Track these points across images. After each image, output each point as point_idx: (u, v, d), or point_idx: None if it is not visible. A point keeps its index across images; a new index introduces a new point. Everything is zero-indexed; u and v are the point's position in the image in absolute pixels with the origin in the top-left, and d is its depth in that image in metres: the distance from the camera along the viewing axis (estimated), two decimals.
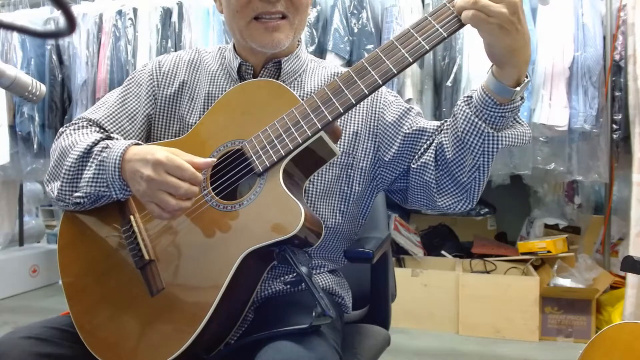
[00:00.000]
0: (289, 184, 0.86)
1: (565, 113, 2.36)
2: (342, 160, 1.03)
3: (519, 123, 0.93)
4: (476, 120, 0.88)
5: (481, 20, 0.78)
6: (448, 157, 0.94)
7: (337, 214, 1.04)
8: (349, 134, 1.03)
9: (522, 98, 0.88)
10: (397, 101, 1.06)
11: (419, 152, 1.00)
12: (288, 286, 0.99)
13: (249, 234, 0.84)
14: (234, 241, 0.85)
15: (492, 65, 0.87)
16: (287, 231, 0.81)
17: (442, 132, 0.97)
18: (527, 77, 0.86)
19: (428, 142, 0.99)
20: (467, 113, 0.90)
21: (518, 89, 0.85)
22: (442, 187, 0.98)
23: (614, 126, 2.41)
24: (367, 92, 0.85)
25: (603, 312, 2.53)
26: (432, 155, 0.97)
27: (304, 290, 0.97)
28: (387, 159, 1.03)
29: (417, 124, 1.01)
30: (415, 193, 1.02)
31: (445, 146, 0.95)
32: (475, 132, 0.89)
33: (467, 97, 0.92)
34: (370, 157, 1.04)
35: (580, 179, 2.51)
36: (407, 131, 1.01)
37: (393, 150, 1.02)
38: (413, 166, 1.00)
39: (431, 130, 1.00)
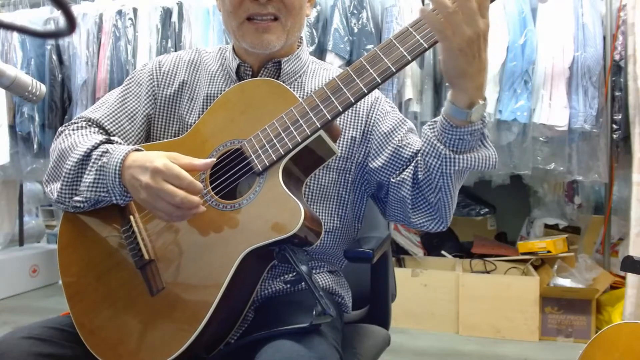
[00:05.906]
0: (288, 183, 0.87)
1: (565, 113, 2.36)
2: (340, 165, 1.03)
3: (486, 147, 0.92)
4: (435, 142, 0.90)
5: (445, 37, 0.78)
6: (419, 177, 0.95)
7: (335, 219, 1.05)
8: (347, 139, 1.03)
9: (483, 122, 0.88)
10: (393, 112, 1.07)
11: (402, 168, 1.00)
12: (288, 285, 0.99)
13: (248, 233, 0.84)
14: (234, 240, 0.85)
15: None
16: (287, 230, 0.81)
17: (420, 152, 0.98)
18: (484, 99, 0.85)
19: (411, 159, 1.00)
20: (429, 135, 0.92)
21: (471, 110, 0.84)
22: (417, 205, 0.98)
23: (614, 126, 2.41)
24: (366, 91, 0.85)
25: (603, 312, 2.52)
26: (411, 173, 0.98)
27: (304, 290, 0.97)
28: (372, 166, 1.03)
29: (406, 139, 1.02)
30: (392, 207, 1.03)
31: (418, 166, 0.96)
32: (434, 154, 0.90)
33: (433, 121, 0.93)
34: (361, 162, 1.05)
35: (580, 179, 2.51)
36: (396, 144, 1.01)
37: (380, 160, 1.02)
38: (392, 180, 1.00)
39: (416, 148, 1.00)
